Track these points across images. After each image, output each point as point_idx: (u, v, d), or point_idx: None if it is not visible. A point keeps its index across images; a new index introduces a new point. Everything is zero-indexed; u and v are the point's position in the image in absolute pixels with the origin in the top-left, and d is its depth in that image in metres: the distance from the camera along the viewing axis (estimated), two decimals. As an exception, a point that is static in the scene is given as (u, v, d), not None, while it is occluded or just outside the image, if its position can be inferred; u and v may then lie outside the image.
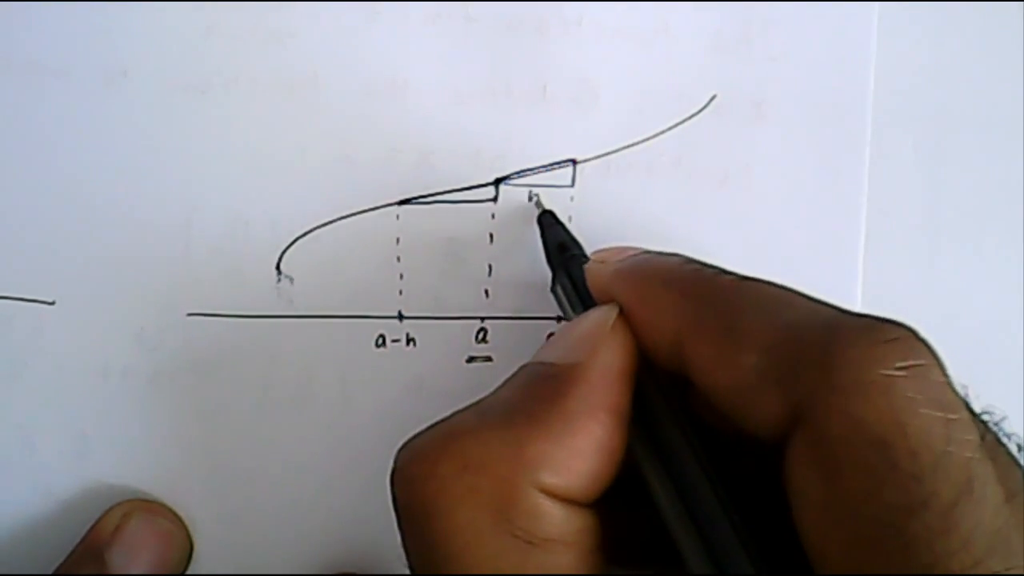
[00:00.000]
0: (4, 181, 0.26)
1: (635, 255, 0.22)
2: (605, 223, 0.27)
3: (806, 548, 0.16)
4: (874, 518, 0.15)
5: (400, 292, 0.27)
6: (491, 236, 0.27)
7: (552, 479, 0.17)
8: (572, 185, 0.27)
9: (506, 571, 0.17)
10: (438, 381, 0.27)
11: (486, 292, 0.27)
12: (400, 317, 0.27)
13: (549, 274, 0.25)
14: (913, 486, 0.15)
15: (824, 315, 0.18)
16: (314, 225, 0.27)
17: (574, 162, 0.27)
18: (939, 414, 0.15)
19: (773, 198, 0.27)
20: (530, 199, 0.27)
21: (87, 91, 0.26)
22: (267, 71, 0.26)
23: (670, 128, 0.27)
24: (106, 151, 0.26)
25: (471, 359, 0.27)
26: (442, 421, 0.19)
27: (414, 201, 0.27)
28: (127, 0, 0.26)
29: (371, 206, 0.27)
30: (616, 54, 0.27)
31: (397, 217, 0.27)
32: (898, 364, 0.16)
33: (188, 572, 0.26)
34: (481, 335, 0.27)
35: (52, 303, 0.26)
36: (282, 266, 0.27)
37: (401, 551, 0.17)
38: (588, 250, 0.25)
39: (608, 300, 0.21)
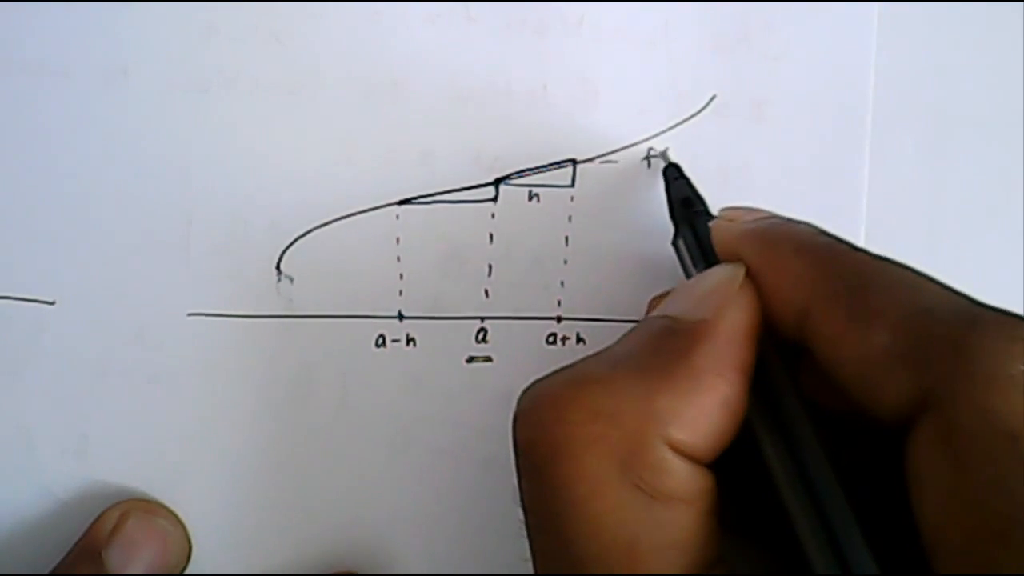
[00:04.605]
0: (4, 181, 0.26)
1: (765, 218, 0.21)
2: (605, 223, 0.27)
3: (923, 533, 0.16)
4: (1001, 511, 0.15)
5: (400, 292, 0.27)
6: (491, 236, 0.27)
7: (680, 434, 0.17)
8: (572, 185, 0.27)
9: (627, 522, 0.17)
10: (438, 381, 0.27)
11: (486, 292, 0.27)
12: (400, 317, 0.27)
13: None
14: None
15: (960, 304, 0.17)
16: (314, 225, 0.27)
17: (574, 162, 0.27)
18: None
19: (773, 198, 0.27)
20: (651, 155, 0.26)
21: (87, 91, 0.26)
22: (267, 71, 0.26)
23: (670, 128, 0.27)
24: (106, 151, 0.26)
25: (471, 359, 0.27)
26: (569, 367, 0.19)
27: (414, 201, 0.27)
28: (127, 0, 0.26)
29: (371, 206, 0.27)
30: (616, 54, 0.27)
31: (397, 217, 0.27)
32: None
33: (187, 572, 0.26)
34: (481, 335, 0.27)
35: (52, 303, 0.26)
36: (282, 266, 0.27)
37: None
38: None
39: (733, 260, 0.21)
